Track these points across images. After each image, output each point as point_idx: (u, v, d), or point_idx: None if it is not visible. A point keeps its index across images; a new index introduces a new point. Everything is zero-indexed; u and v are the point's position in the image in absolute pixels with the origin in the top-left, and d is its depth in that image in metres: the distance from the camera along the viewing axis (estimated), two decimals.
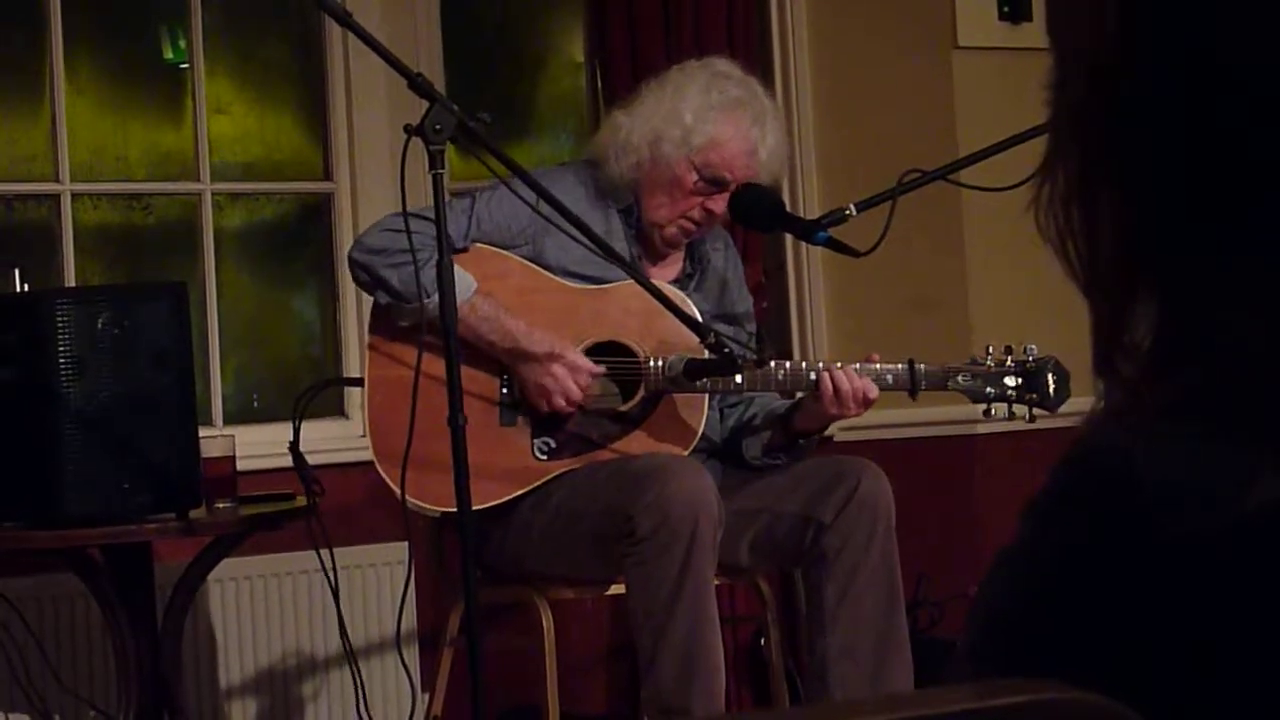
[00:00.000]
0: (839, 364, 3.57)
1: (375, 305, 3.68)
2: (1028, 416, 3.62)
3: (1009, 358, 3.62)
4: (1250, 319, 0.91)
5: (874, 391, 3.54)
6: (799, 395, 3.66)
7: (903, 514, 3.62)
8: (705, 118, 3.64)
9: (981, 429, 4.72)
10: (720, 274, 3.83)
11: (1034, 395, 3.60)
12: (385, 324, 3.66)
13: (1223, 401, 0.90)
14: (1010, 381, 3.61)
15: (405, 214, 3.25)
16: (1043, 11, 1.02)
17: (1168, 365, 0.94)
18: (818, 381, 3.54)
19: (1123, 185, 0.96)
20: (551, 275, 3.67)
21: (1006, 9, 4.85)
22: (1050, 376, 3.59)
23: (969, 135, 4.55)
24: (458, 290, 3.22)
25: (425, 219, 3.42)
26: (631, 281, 3.60)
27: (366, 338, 3.73)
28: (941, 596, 4.54)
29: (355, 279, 3.71)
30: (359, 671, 3.84)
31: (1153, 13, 0.93)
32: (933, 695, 0.81)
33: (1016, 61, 4.64)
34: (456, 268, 3.24)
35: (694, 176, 3.65)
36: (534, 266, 3.67)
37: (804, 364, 3.59)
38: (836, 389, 3.51)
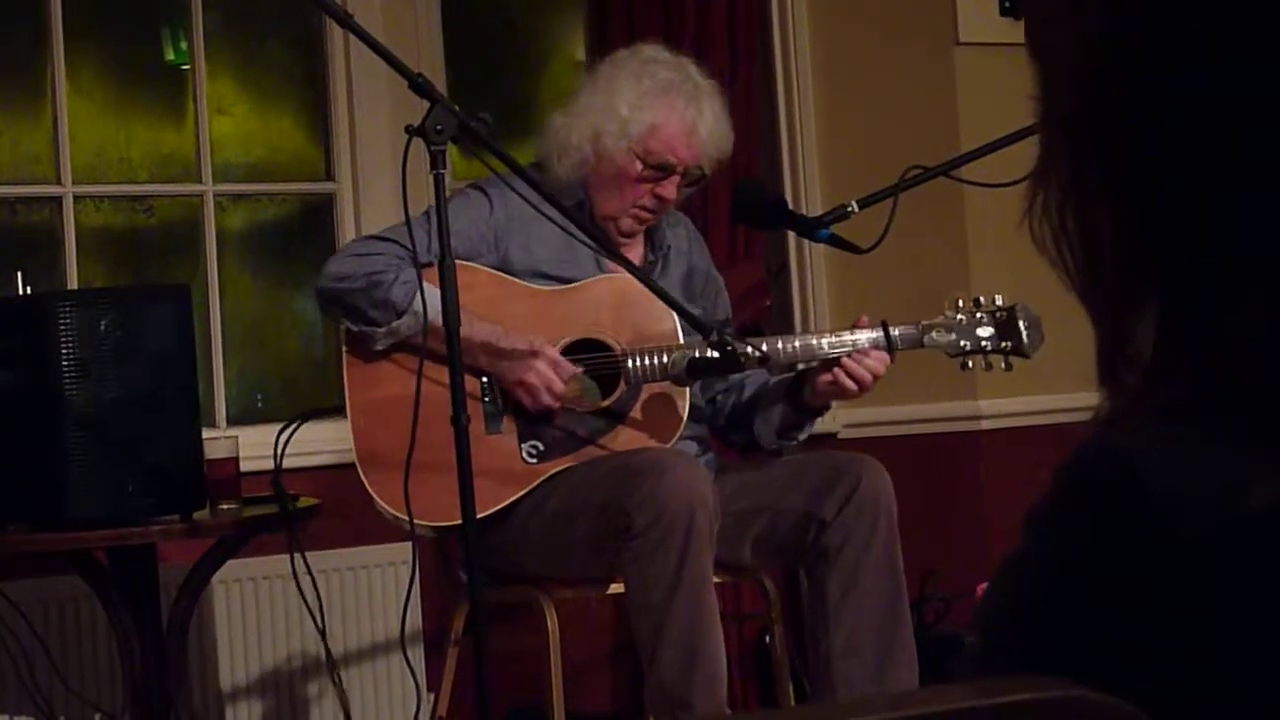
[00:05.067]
0: (832, 334, 3.59)
1: (348, 331, 3.65)
2: (1004, 366, 3.63)
3: (978, 310, 3.63)
4: (1249, 320, 0.91)
5: (887, 359, 3.58)
6: (799, 368, 3.67)
7: (908, 510, 3.62)
8: (640, 105, 3.65)
9: (986, 425, 4.73)
10: (684, 256, 3.84)
11: (1008, 344, 3.61)
12: (359, 348, 3.64)
13: (1222, 403, 0.90)
14: (983, 333, 3.62)
15: (409, 222, 3.26)
16: (1025, 19, 1.01)
17: (1169, 366, 0.94)
18: (836, 382, 3.55)
19: (1118, 190, 0.95)
20: (519, 281, 3.67)
21: (1008, 4, 4.85)
22: (1021, 323, 3.60)
23: (971, 131, 4.54)
24: (429, 307, 3.24)
25: (390, 239, 3.45)
26: (600, 278, 3.65)
27: (345, 358, 3.69)
28: (947, 592, 4.53)
29: (326, 313, 3.70)
30: (339, 678, 3.85)
31: (1142, 15, 0.93)
32: (940, 693, 0.81)
33: (1018, 57, 4.58)
34: (426, 285, 3.25)
35: (639, 165, 3.66)
36: (500, 274, 3.66)
37: (781, 342, 3.60)
38: (859, 382, 3.54)
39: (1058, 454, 0.93)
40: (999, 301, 3.63)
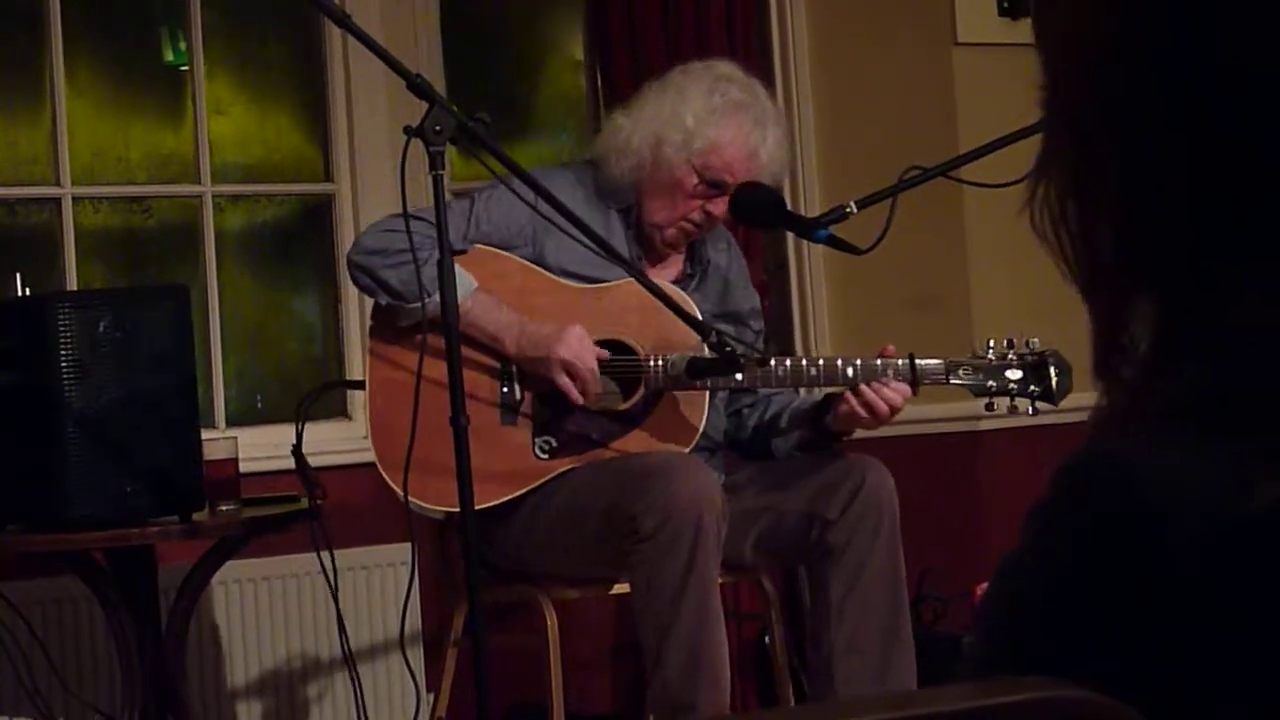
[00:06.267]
0: (858, 360, 3.57)
1: (375, 307, 3.68)
2: (1030, 410, 3.60)
3: (1010, 351, 3.60)
4: (1250, 318, 0.91)
5: (908, 391, 3.56)
6: (824, 392, 3.66)
7: (907, 510, 3.62)
8: (707, 121, 3.64)
9: (985, 425, 4.72)
10: (722, 273, 3.83)
11: (1036, 389, 3.58)
12: (386, 326, 3.65)
13: (1223, 401, 0.90)
14: (1012, 375, 3.59)
15: (405, 214, 3.25)
16: (1032, 12, 1.01)
17: (1167, 365, 0.94)
18: (850, 413, 3.54)
19: (1122, 185, 0.95)
20: (551, 275, 3.67)
21: (1006, 4, 4.85)
22: (1052, 369, 3.57)
23: (969, 131, 4.54)
24: (459, 290, 3.22)
25: (423, 219, 3.42)
26: (630, 280, 3.60)
27: (367, 340, 3.73)
28: (946, 592, 4.53)
29: (355, 281, 3.71)
30: (357, 675, 3.84)
31: (1153, 16, 0.93)
32: (940, 693, 0.81)
33: (1016, 57, 4.62)
34: (457, 268, 3.24)
35: (694, 179, 3.65)
36: (533, 267, 3.67)
37: (839, 360, 3.58)
38: (874, 411, 3.52)
39: (1057, 455, 0.93)
40: (1032, 344, 3.59)
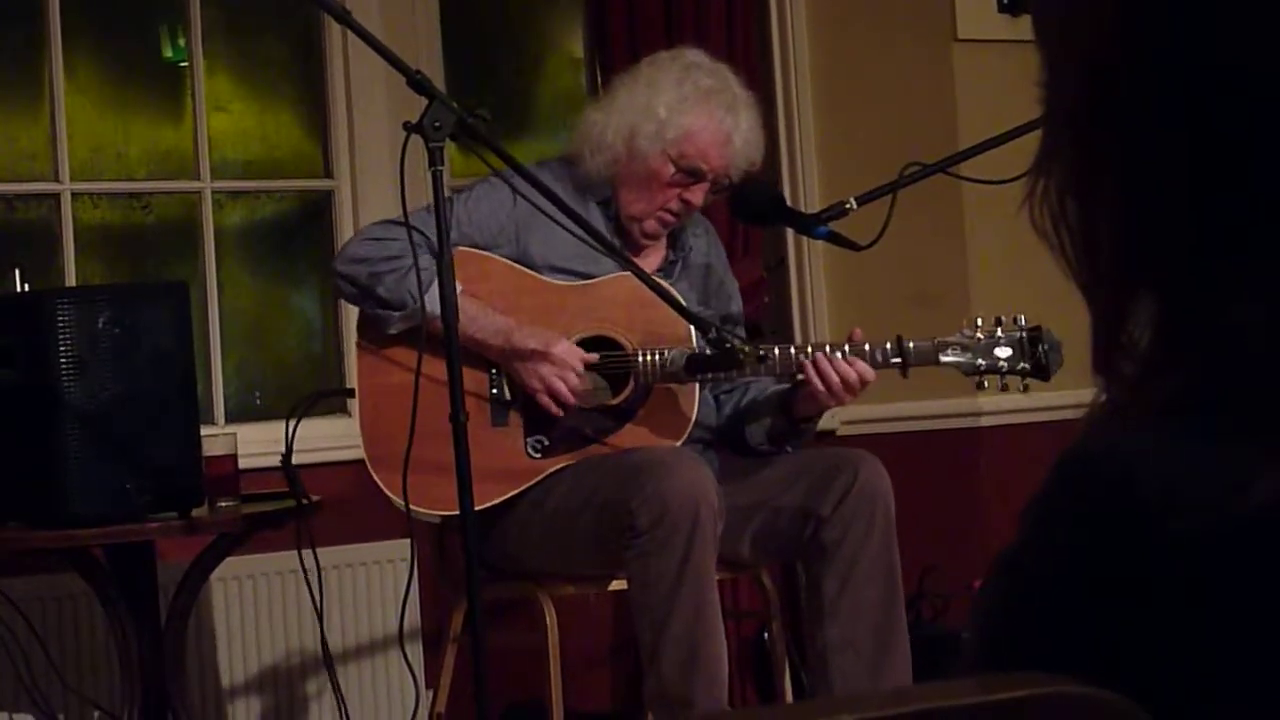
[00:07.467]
0: (828, 346, 3.57)
1: (361, 315, 3.67)
2: (1021, 387, 3.59)
3: (999, 329, 3.58)
4: (1250, 316, 0.91)
5: (870, 374, 3.53)
6: (799, 377, 3.66)
7: (906, 507, 3.62)
8: (679, 110, 3.65)
9: (985, 421, 4.73)
10: (704, 258, 3.85)
11: (1026, 365, 3.56)
12: (373, 331, 3.65)
13: (1222, 399, 0.90)
14: (1001, 353, 3.56)
15: (406, 218, 3.25)
16: (1032, 9, 1.01)
17: (1167, 363, 0.94)
18: (805, 378, 3.52)
19: (1122, 184, 0.95)
20: (536, 274, 3.67)
21: (1005, 1, 4.85)
22: (1042, 345, 3.55)
23: (969, 128, 4.54)
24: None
25: (408, 225, 3.44)
26: (617, 275, 3.62)
27: (354, 348, 3.72)
28: (946, 589, 4.53)
29: (339, 291, 3.71)
30: (334, 674, 3.85)
31: (1153, 14, 0.93)
32: (939, 689, 0.81)
33: (1016, 54, 4.62)
34: None
35: (670, 169, 3.66)
36: (518, 266, 3.67)
37: (793, 349, 3.58)
38: (826, 383, 3.50)
39: (1057, 450, 0.92)
40: (1021, 321, 3.58)
